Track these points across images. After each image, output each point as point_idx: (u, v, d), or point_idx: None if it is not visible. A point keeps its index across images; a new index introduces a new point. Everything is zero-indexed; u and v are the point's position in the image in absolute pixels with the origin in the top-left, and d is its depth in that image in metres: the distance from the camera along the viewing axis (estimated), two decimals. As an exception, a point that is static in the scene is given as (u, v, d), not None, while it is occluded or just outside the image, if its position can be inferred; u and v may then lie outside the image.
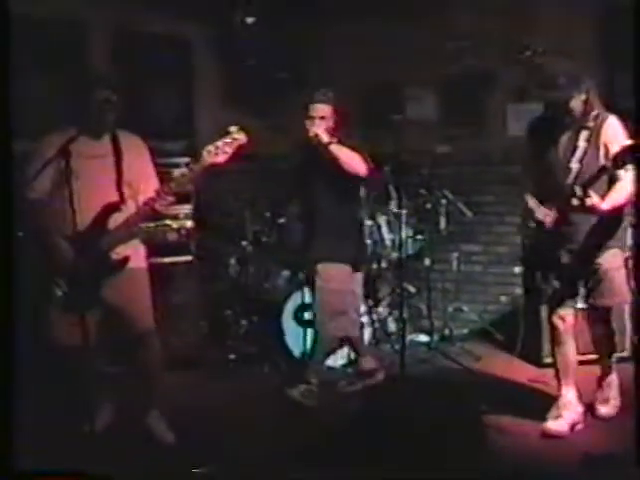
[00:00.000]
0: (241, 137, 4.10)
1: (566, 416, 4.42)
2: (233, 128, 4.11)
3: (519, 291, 6.41)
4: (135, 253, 4.33)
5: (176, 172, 4.19)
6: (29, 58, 5.54)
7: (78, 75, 4.49)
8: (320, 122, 4.91)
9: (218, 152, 4.06)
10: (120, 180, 4.24)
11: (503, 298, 6.82)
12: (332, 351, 5.42)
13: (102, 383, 4.59)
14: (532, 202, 4.42)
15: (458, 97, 6.80)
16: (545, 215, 4.28)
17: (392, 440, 3.80)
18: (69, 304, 4.06)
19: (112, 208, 4.18)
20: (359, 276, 5.34)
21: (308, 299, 5.72)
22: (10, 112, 2.73)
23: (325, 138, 4.85)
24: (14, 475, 2.65)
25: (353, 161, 4.90)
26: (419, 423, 3.89)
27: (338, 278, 5.08)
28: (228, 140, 4.08)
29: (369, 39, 7.11)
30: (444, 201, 6.35)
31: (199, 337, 6.12)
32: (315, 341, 5.26)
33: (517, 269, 6.39)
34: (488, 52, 6.53)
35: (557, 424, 4.39)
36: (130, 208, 4.24)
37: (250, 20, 6.85)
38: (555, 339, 4.51)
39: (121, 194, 4.23)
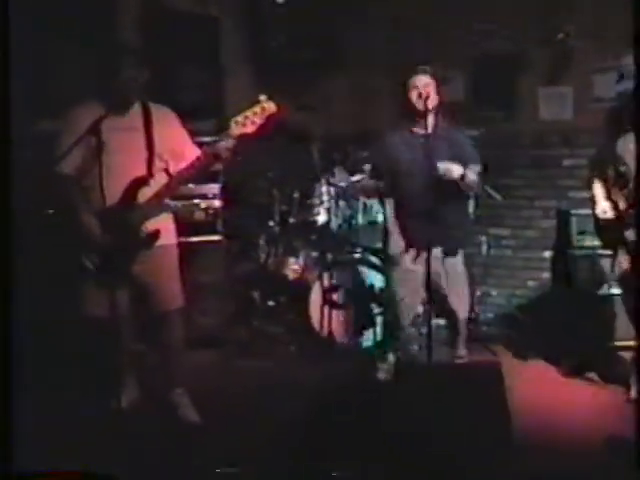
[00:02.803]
0: (270, 106, 4.02)
1: None
2: (262, 97, 4.03)
3: (547, 275, 6.40)
4: (165, 229, 4.30)
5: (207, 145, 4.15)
6: (56, 33, 5.56)
7: (106, 51, 4.44)
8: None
9: (246, 123, 4.01)
10: (150, 153, 4.20)
11: (531, 282, 6.78)
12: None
13: (129, 359, 4.60)
14: (598, 192, 4.76)
15: (489, 80, 6.74)
16: (602, 211, 4.68)
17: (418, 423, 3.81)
18: (100, 279, 4.07)
19: (140, 182, 4.14)
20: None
21: (335, 280, 5.74)
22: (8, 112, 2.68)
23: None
24: (14, 475, 2.65)
25: None
26: (444, 408, 3.88)
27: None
28: (257, 110, 4.01)
29: (400, 20, 7.07)
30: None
31: (226, 317, 6.13)
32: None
33: (546, 253, 6.39)
34: (520, 34, 6.46)
35: None
36: (160, 181, 4.21)
37: (281, -1, 6.85)
38: None
39: (150, 167, 4.19)
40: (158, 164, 4.23)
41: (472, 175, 4.75)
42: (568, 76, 6.36)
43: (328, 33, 7.17)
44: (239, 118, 4.02)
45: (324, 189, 6.12)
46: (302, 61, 6.98)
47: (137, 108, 4.24)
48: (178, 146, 4.30)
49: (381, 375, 5.14)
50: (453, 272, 5.02)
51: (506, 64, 6.60)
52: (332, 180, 6.14)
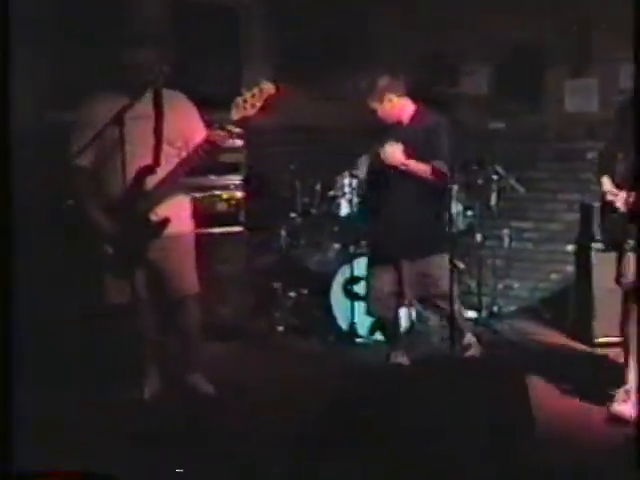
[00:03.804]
0: (269, 88, 4.01)
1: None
2: (262, 80, 4.04)
3: (570, 269, 6.35)
4: (177, 217, 4.28)
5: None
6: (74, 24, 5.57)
7: (122, 40, 4.42)
8: None
9: (246, 106, 4.00)
10: (162, 140, 4.18)
11: (554, 276, 6.74)
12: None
13: (149, 347, 4.57)
14: (607, 184, 4.44)
15: (514, 72, 6.69)
16: (618, 198, 4.30)
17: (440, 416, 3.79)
18: (115, 267, 4.11)
19: (147, 170, 4.12)
20: None
21: (357, 272, 5.73)
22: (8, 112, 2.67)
23: None
24: (14, 475, 2.65)
25: None
26: (465, 401, 3.86)
27: None
28: (255, 92, 4.00)
29: (422, 12, 7.03)
30: (495, 177, 6.25)
31: (247, 308, 6.14)
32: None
33: (569, 247, 6.34)
34: (546, 26, 6.40)
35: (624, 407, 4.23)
36: (167, 168, 4.19)
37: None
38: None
39: (159, 155, 4.17)
40: (171, 151, 4.22)
41: (423, 166, 4.70)
42: (594, 68, 6.31)
43: (349, 24, 7.13)
44: (238, 100, 4.01)
45: (346, 181, 6.09)
46: (323, 53, 6.96)
47: (149, 95, 4.23)
48: (189, 132, 4.28)
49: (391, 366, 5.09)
50: (435, 270, 4.94)
51: (531, 56, 6.55)
52: (354, 172, 6.11)
